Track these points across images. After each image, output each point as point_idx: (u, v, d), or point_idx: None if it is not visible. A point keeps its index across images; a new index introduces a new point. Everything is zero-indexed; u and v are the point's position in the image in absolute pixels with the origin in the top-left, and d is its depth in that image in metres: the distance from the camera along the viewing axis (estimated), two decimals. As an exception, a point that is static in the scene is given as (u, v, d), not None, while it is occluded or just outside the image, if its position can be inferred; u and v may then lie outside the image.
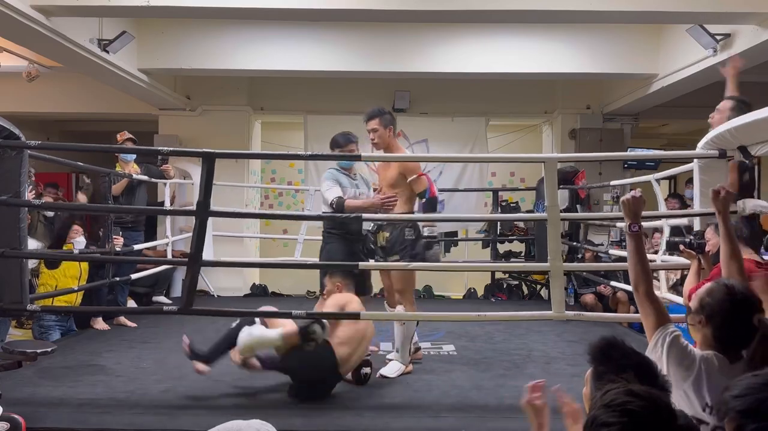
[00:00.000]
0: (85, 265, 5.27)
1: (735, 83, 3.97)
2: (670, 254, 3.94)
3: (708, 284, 2.07)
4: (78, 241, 5.13)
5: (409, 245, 4.18)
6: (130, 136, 5.80)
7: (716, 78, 6.39)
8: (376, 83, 8.20)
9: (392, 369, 4.20)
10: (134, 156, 5.88)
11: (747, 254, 2.88)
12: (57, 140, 10.19)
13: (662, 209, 5.17)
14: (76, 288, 5.06)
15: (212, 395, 3.75)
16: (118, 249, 5.35)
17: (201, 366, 3.82)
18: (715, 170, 3.62)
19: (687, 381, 1.89)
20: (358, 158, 4.30)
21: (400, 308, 4.31)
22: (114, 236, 5.33)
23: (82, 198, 7.48)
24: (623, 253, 6.32)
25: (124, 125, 7.35)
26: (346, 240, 4.39)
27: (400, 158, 4.56)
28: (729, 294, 1.96)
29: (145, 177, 5.94)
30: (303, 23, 6.70)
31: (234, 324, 3.87)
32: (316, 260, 5.02)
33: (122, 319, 5.79)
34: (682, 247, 3.20)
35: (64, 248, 5.12)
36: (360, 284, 4.39)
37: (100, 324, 5.59)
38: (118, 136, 5.81)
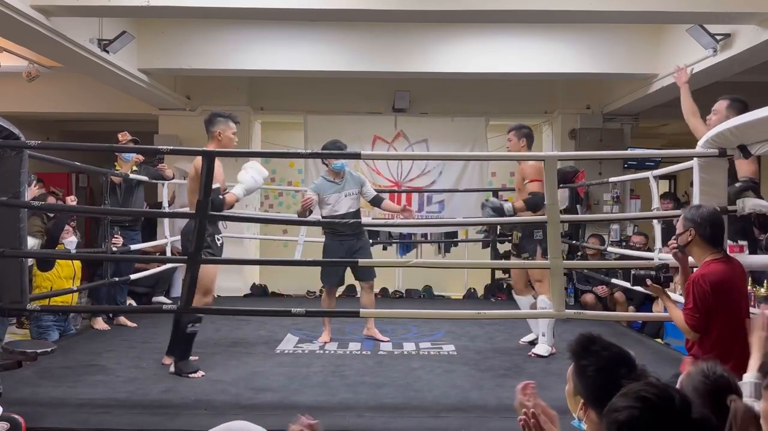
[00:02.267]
0: (78, 264, 5.21)
1: (687, 93, 4.12)
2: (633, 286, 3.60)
3: (688, 369, 1.96)
4: (69, 241, 5.08)
5: (537, 243, 4.77)
6: (133, 137, 5.79)
7: (716, 78, 6.41)
8: (376, 83, 8.20)
9: (542, 349, 4.77)
10: (133, 156, 5.86)
11: (709, 255, 2.93)
12: (57, 140, 10.18)
13: (656, 204, 5.16)
14: (75, 288, 5.06)
15: (212, 395, 3.74)
16: (115, 249, 5.34)
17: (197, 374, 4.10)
18: (715, 168, 3.62)
19: None
20: (358, 155, 4.32)
21: (541, 298, 4.79)
22: (113, 236, 5.32)
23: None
24: (623, 251, 6.34)
25: (124, 125, 7.35)
26: (335, 238, 5.12)
27: (399, 157, 4.65)
28: (704, 377, 1.86)
29: (143, 177, 5.93)
30: (303, 23, 6.70)
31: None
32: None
33: (122, 319, 5.79)
34: (649, 282, 3.09)
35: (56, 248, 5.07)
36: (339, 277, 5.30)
37: (100, 324, 5.59)
38: (119, 136, 5.78)
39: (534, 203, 4.67)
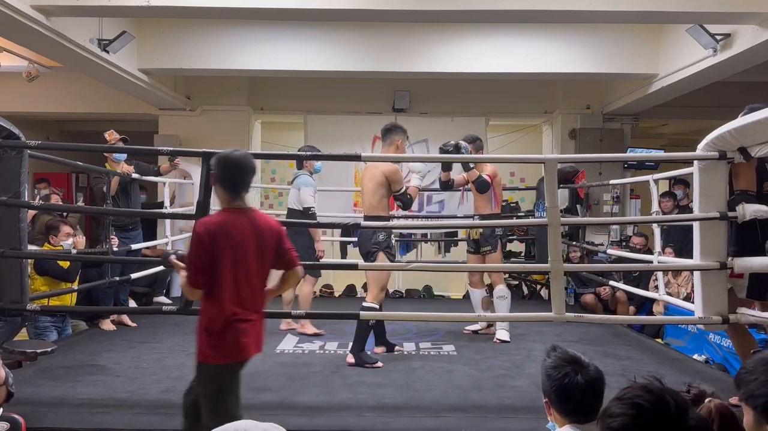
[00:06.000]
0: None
1: None
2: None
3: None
4: (68, 242, 5.05)
5: (498, 238, 5.26)
6: (121, 136, 5.69)
7: (716, 78, 6.41)
8: (376, 83, 8.21)
9: (504, 335, 5.22)
10: (125, 156, 5.80)
11: (226, 204, 2.70)
12: (57, 140, 10.18)
13: (655, 207, 5.15)
14: (76, 288, 5.05)
15: (212, 395, 3.74)
16: (115, 249, 5.33)
17: (377, 364, 4.43)
18: (715, 171, 3.61)
19: None
20: (358, 157, 4.31)
21: (499, 288, 5.27)
22: (110, 237, 5.32)
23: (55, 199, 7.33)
24: (622, 253, 6.34)
25: (124, 125, 7.36)
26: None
27: (399, 158, 4.69)
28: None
29: (135, 175, 5.87)
30: (303, 23, 6.70)
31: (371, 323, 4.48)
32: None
33: (124, 318, 5.81)
34: (172, 258, 2.71)
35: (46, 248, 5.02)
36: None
37: (107, 324, 5.61)
38: (106, 135, 5.61)
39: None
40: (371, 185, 4.60)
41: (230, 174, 2.70)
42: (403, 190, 4.59)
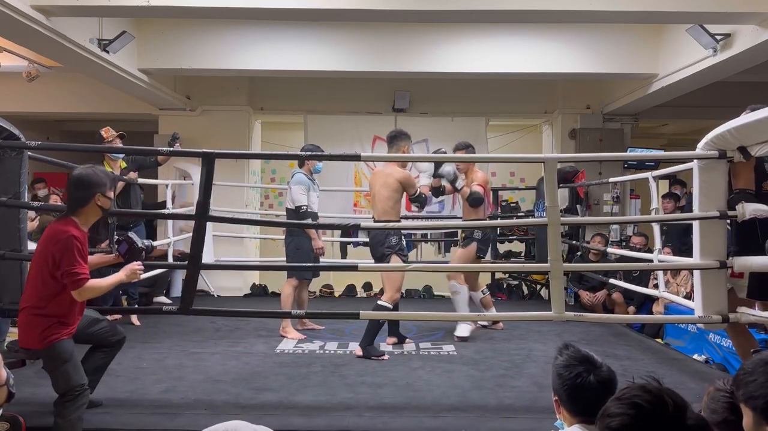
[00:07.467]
0: None
1: None
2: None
3: (708, 390, 1.85)
4: None
5: (475, 241, 5.40)
6: (119, 133, 5.64)
7: (716, 78, 6.41)
8: (376, 83, 8.21)
9: (464, 330, 5.33)
10: (123, 154, 5.78)
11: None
12: (57, 140, 10.20)
13: (655, 204, 5.14)
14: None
15: (212, 395, 3.75)
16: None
17: (384, 357, 4.66)
18: (715, 171, 3.61)
19: None
20: (358, 157, 4.31)
21: (451, 283, 5.43)
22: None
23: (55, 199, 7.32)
24: (623, 252, 6.34)
25: (124, 125, 7.34)
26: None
27: (401, 158, 4.71)
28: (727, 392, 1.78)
29: (135, 179, 5.86)
30: (303, 23, 6.70)
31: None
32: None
33: (132, 317, 5.86)
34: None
35: None
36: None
37: (134, 319, 5.83)
38: (102, 132, 5.52)
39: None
40: (385, 192, 4.77)
41: (67, 188, 3.10)
42: (417, 192, 4.86)
